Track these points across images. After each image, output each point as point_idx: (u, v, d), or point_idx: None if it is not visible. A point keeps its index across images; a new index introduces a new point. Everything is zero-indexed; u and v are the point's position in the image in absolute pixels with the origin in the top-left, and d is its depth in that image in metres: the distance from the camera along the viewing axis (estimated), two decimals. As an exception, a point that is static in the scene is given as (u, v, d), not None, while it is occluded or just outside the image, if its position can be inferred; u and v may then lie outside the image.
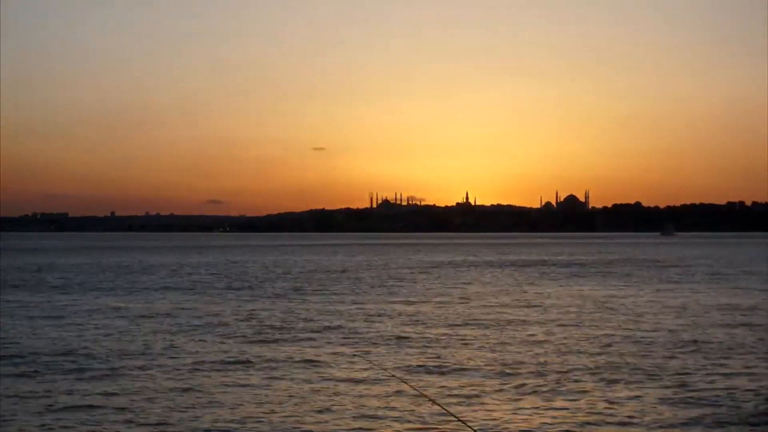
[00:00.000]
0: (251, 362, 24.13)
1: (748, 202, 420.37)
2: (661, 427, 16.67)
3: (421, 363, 23.94)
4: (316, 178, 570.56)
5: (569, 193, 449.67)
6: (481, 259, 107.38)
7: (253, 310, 39.78)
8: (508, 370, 22.61)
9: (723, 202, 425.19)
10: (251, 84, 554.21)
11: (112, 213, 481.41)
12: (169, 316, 37.14)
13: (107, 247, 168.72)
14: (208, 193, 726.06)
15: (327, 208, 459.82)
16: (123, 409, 18.10)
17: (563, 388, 20.21)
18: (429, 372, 22.57)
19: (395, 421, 17.06)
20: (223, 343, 28.27)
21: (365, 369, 22.51)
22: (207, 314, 37.59)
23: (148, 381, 21.17)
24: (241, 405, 18.47)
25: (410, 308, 40.65)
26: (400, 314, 37.63)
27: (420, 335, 30.13)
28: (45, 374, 22.24)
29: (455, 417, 8.66)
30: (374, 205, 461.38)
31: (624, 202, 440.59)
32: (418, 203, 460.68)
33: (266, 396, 19.46)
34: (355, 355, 25.03)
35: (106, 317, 36.74)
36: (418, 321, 34.95)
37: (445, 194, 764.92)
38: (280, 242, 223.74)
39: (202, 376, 21.86)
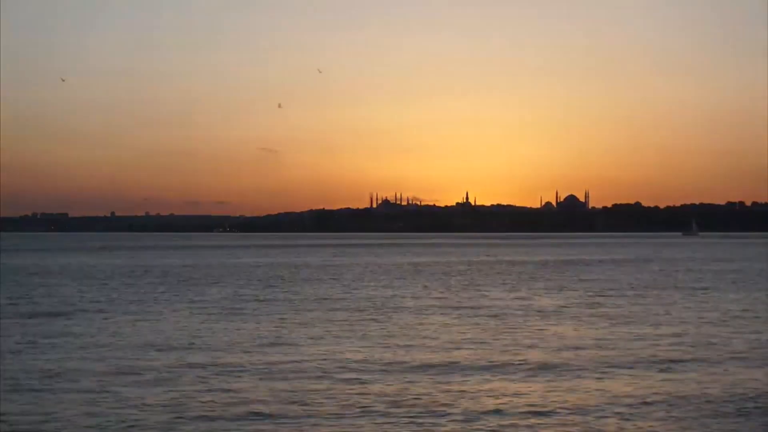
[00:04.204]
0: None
1: (748, 202, 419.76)
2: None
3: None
4: (316, 178, 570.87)
5: (569, 193, 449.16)
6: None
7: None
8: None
9: (723, 202, 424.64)
10: (250, 84, 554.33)
11: (112, 213, 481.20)
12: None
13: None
14: (208, 193, 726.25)
15: (327, 208, 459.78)
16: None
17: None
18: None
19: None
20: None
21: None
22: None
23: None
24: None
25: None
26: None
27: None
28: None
29: None
30: (374, 205, 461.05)
31: (624, 202, 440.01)
32: (418, 203, 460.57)
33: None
34: None
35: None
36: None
37: (445, 194, 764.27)
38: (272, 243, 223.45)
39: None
